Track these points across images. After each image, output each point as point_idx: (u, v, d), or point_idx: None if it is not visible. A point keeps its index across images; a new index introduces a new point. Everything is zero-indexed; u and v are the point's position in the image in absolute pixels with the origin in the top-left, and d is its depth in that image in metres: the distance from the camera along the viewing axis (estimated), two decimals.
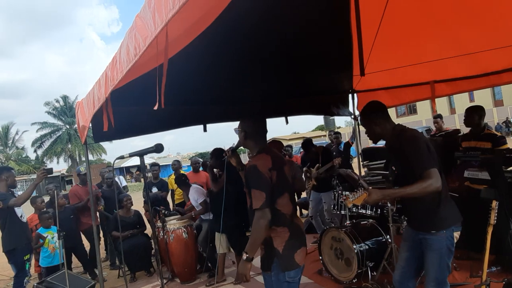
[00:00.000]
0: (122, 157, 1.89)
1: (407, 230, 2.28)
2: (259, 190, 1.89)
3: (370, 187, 2.00)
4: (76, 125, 38.80)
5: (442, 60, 3.88)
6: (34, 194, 6.31)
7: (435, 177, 1.88)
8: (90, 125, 3.63)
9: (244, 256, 1.94)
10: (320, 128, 39.24)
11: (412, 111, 31.27)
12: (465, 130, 4.32)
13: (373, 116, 2.17)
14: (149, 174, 6.65)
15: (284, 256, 1.96)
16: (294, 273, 1.99)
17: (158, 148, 1.89)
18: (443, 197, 2.05)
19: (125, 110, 3.77)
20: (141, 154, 1.86)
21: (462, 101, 23.54)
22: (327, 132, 7.06)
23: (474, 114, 3.54)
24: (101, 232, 5.46)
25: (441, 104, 25.82)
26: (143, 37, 1.51)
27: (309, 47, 3.92)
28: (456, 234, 2.11)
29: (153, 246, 5.04)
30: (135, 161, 37.05)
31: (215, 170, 4.30)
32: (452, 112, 27.12)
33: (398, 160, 2.18)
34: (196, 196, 4.53)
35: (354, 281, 3.37)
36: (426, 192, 1.91)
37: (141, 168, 1.88)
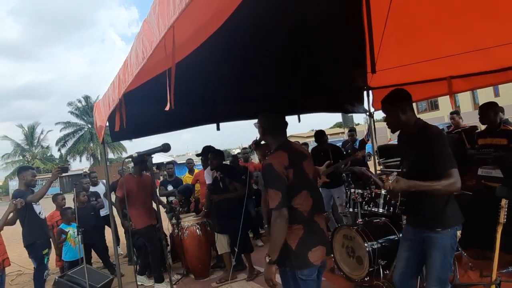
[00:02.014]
0: (131, 157, 1.96)
1: (407, 229, 2.26)
2: (274, 190, 1.88)
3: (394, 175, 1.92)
4: None
5: (459, 55, 3.79)
6: (57, 191, 6.50)
7: (457, 177, 1.88)
8: (107, 124, 3.77)
9: (267, 259, 1.91)
10: (338, 125, 38.81)
11: (434, 107, 30.39)
12: (483, 126, 4.22)
13: (403, 103, 2.12)
14: (165, 172, 6.81)
15: (297, 253, 1.94)
16: (308, 272, 1.96)
17: (165, 148, 1.95)
18: (451, 196, 2.04)
19: (142, 110, 3.89)
20: (149, 153, 1.93)
21: (486, 96, 22.60)
22: (347, 129, 7.01)
23: (489, 110, 3.46)
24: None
25: (464, 100, 24.91)
26: (150, 41, 1.57)
27: (322, 44, 3.92)
28: (458, 233, 2.07)
29: (168, 242, 5.18)
30: (154, 159, 37.74)
31: (216, 173, 4.23)
32: (475, 108, 26.10)
33: (413, 153, 2.12)
34: (206, 176, 4.66)
35: (366, 279, 3.36)
36: (448, 191, 1.91)
37: (150, 167, 1.95)
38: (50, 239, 4.24)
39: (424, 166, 2.00)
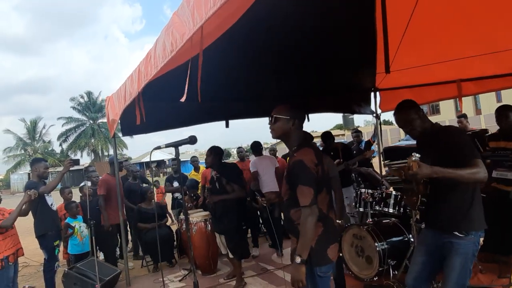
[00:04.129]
0: (159, 148, 1.97)
1: (426, 233, 2.22)
2: (307, 186, 1.84)
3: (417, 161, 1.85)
4: (99, 121, 39.03)
5: (470, 58, 3.80)
6: (59, 186, 6.48)
7: (483, 167, 1.85)
8: (119, 121, 3.79)
9: (298, 260, 1.82)
10: (339, 127, 38.84)
11: (435, 111, 30.38)
12: (492, 130, 4.22)
13: (416, 109, 2.15)
14: (169, 169, 6.83)
15: (316, 250, 1.92)
16: (326, 268, 1.96)
17: (192, 140, 1.96)
18: (475, 198, 2.01)
19: (152, 105, 3.91)
20: (176, 145, 1.94)
21: (488, 102, 22.67)
22: (351, 131, 6.98)
23: (508, 112, 3.41)
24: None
25: (466, 104, 24.86)
26: (181, 33, 1.59)
27: (332, 44, 3.94)
28: (481, 240, 2.04)
29: (175, 238, 5.20)
30: (154, 156, 37.95)
31: (212, 172, 4.05)
32: (477, 113, 26.18)
33: (433, 151, 2.08)
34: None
35: (375, 278, 3.37)
36: (473, 179, 1.87)
37: (176, 158, 1.96)
38: (61, 231, 4.25)
39: (445, 163, 1.93)
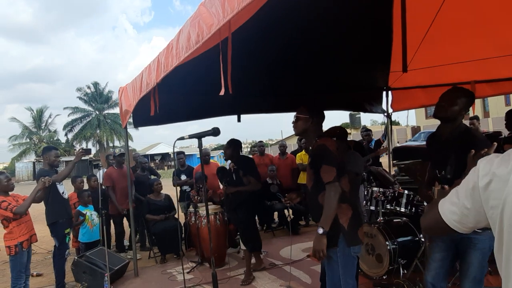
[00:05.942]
0: (182, 138, 1.98)
1: None
2: (329, 166, 2.02)
3: None
4: (105, 112, 38.79)
5: (485, 60, 3.77)
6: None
7: None
8: (131, 114, 3.78)
9: (321, 230, 1.99)
10: (345, 126, 38.63)
11: None
12: (505, 132, 4.18)
13: (465, 102, 2.11)
14: (169, 163, 6.87)
15: (349, 232, 2.06)
16: (358, 249, 2.13)
17: (215, 132, 1.97)
18: None
19: (164, 97, 3.89)
20: (199, 136, 1.95)
21: (497, 105, 22.48)
22: (361, 129, 7.01)
23: None
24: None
25: (475, 107, 24.60)
26: (208, 25, 1.58)
27: (346, 42, 3.92)
28: None
29: (183, 230, 5.22)
30: (158, 149, 38.10)
31: (229, 164, 4.14)
32: (485, 116, 25.94)
33: (454, 157, 2.01)
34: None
35: (384, 277, 3.37)
36: None
37: (199, 149, 1.97)
38: (72, 219, 4.29)
39: (460, 168, 1.94)
